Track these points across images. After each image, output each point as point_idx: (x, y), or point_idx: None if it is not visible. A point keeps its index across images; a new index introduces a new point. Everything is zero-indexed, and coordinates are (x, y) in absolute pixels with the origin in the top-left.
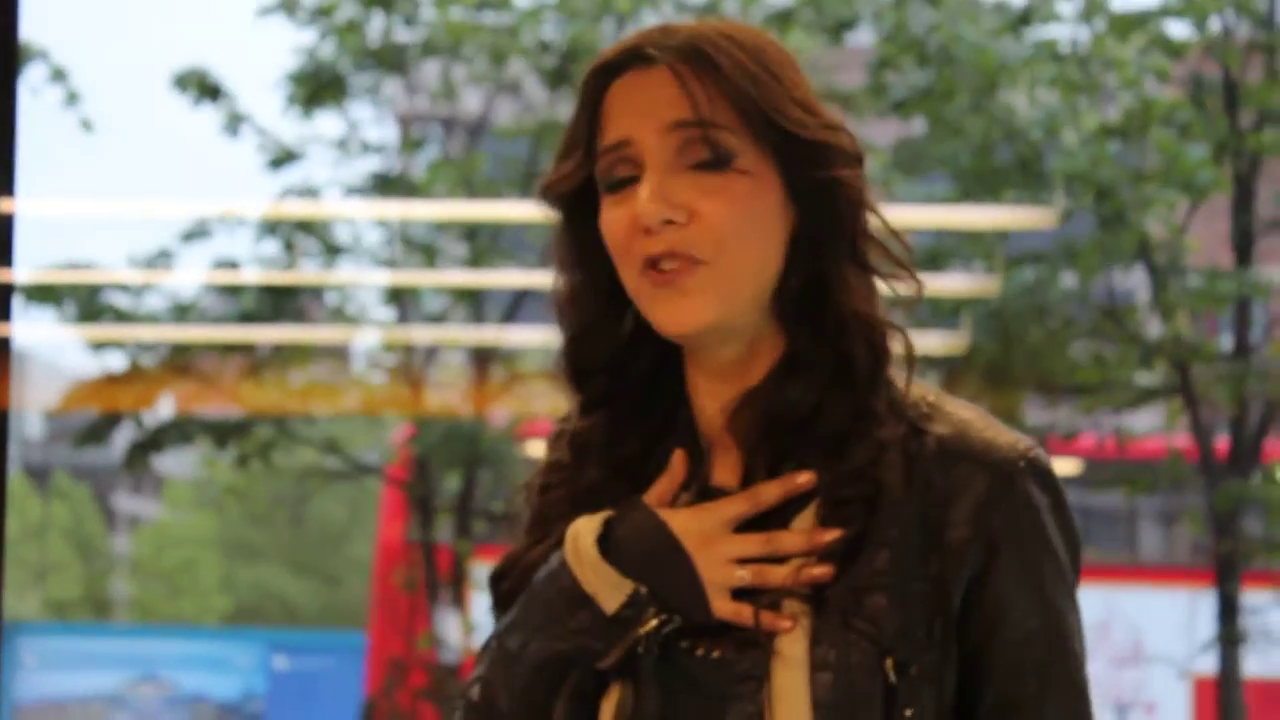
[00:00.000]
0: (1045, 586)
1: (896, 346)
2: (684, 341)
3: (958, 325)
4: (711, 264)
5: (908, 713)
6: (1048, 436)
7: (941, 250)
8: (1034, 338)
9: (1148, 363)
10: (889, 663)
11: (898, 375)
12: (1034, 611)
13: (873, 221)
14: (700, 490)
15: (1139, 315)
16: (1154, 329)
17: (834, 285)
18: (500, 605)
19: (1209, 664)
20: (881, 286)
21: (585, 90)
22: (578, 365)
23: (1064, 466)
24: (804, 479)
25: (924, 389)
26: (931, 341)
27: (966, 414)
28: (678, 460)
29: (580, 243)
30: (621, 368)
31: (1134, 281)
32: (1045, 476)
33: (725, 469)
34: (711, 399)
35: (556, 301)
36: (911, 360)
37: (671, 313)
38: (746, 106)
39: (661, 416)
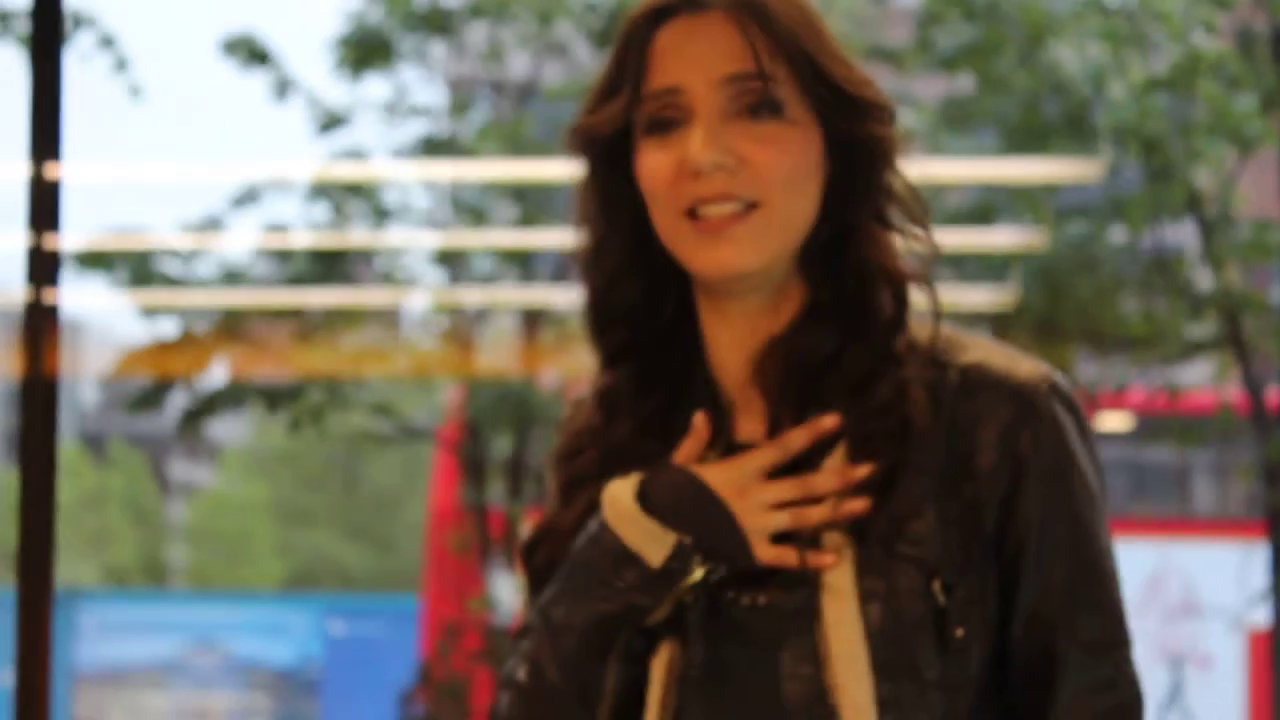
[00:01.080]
0: (1073, 505)
1: (920, 299)
2: (722, 284)
3: (1007, 280)
4: (767, 206)
5: (959, 633)
6: (1098, 391)
7: (989, 205)
8: (1083, 292)
9: (1198, 315)
10: (936, 585)
11: (916, 323)
12: (1062, 529)
13: (895, 180)
14: (726, 446)
15: (1188, 268)
16: (1204, 281)
17: (858, 238)
18: (535, 577)
19: (1263, 617)
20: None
21: (632, 32)
22: (602, 317)
23: (1115, 421)
24: (830, 422)
25: (937, 329)
26: (980, 296)
27: (985, 346)
28: (700, 421)
29: (607, 192)
30: (644, 321)
31: (1183, 234)
32: (1067, 400)
33: (750, 423)
34: (735, 350)
35: (581, 254)
36: (939, 313)
37: (715, 255)
38: (798, 59)
39: (680, 373)
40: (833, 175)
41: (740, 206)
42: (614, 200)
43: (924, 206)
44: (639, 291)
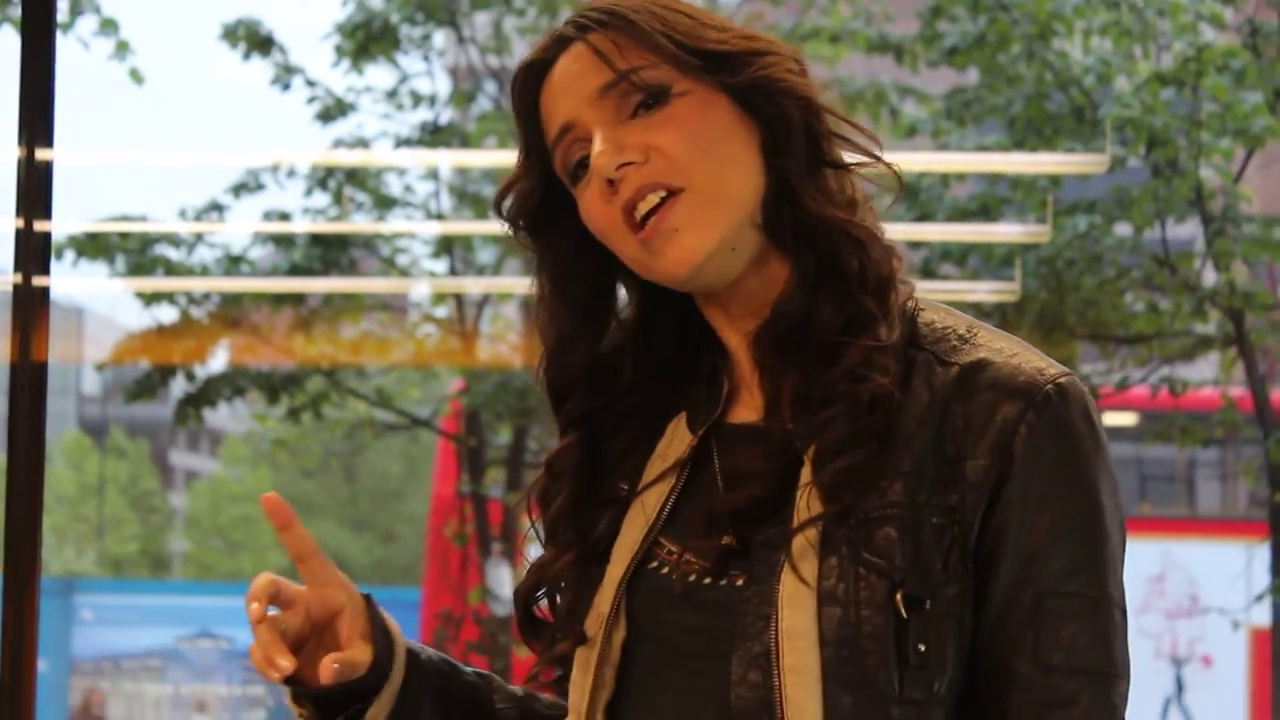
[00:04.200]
0: (1061, 512)
1: (887, 256)
2: (693, 281)
3: (1010, 274)
4: (688, 189)
5: (920, 647)
6: (1101, 387)
7: (994, 198)
8: (1087, 287)
9: (1202, 312)
10: (899, 596)
11: (934, 311)
12: (1045, 539)
13: (832, 121)
14: (715, 427)
15: (1193, 264)
16: (1208, 278)
17: (800, 189)
18: (529, 625)
19: (1265, 616)
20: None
21: (519, 96)
22: (554, 384)
23: (1118, 418)
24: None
25: (957, 321)
26: (984, 290)
27: (998, 344)
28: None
29: (550, 258)
30: (602, 382)
31: (1188, 230)
32: (1080, 405)
33: (749, 405)
34: (738, 334)
35: (537, 325)
36: (891, 261)
37: (673, 254)
38: (661, 43)
39: (688, 371)
40: (760, 131)
41: (664, 193)
42: (558, 266)
43: (868, 135)
44: (587, 358)
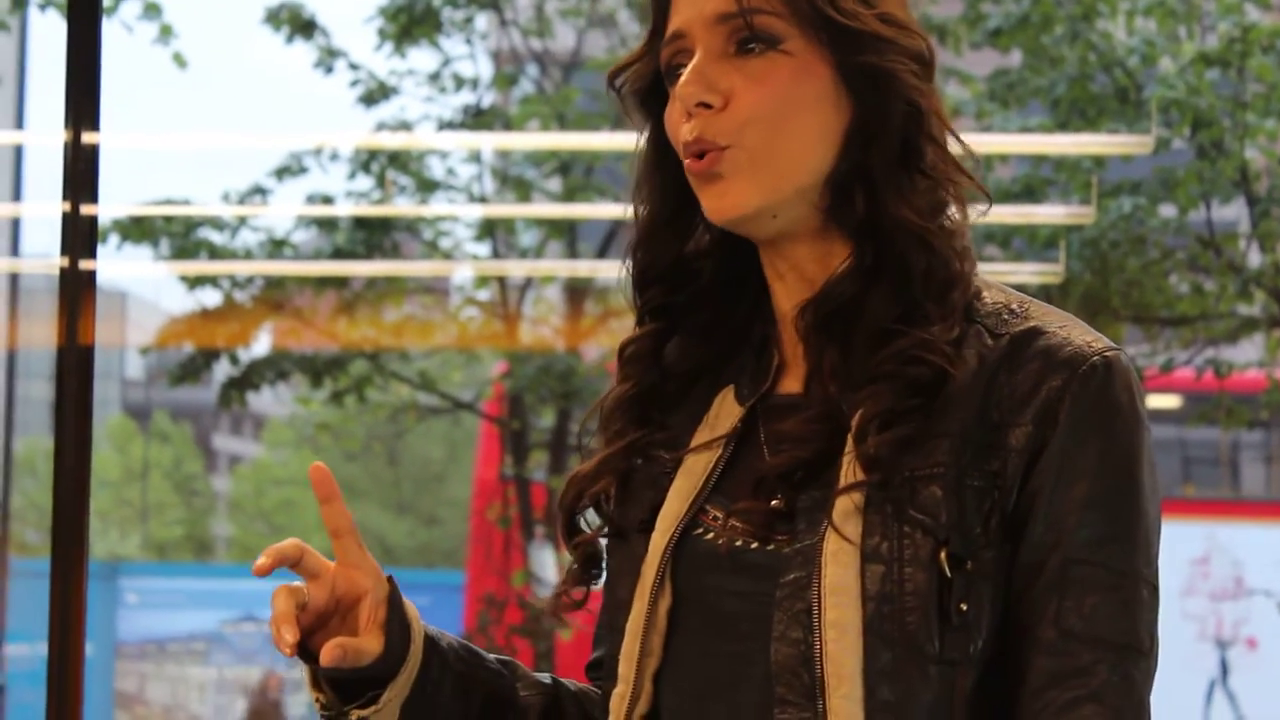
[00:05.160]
0: (1097, 484)
1: (961, 260)
2: (735, 229)
3: (1054, 255)
4: (737, 147)
5: (963, 607)
6: (1145, 370)
7: (1038, 180)
8: (1131, 268)
9: (1247, 294)
10: (943, 555)
11: (989, 289)
12: (1077, 507)
13: (940, 130)
14: (763, 398)
15: (1239, 245)
16: (1254, 259)
17: (880, 184)
18: (568, 526)
19: None
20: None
21: None
22: (639, 273)
23: (1162, 400)
24: None
25: (1010, 297)
26: (1028, 271)
27: (1049, 317)
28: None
29: (653, 142)
30: (684, 279)
31: (1233, 211)
32: (1125, 379)
33: (798, 378)
34: (789, 302)
35: (632, 205)
36: (966, 263)
37: (713, 199)
38: None
39: (740, 327)
40: (854, 115)
41: (713, 150)
42: (658, 153)
43: (972, 157)
44: (671, 253)
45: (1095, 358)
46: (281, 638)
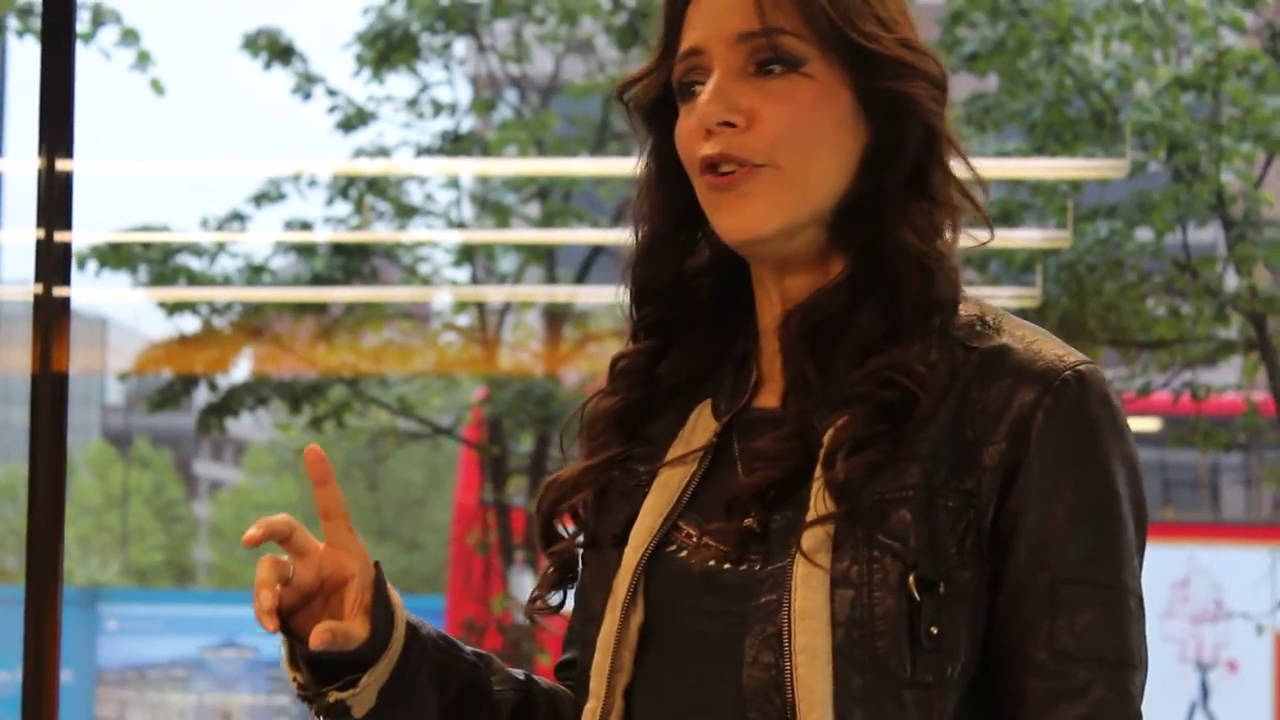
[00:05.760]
0: (1087, 502)
1: (950, 286)
2: (748, 250)
3: (1031, 279)
4: (772, 166)
5: (933, 630)
6: (1123, 393)
7: (1014, 204)
8: (1108, 292)
9: (1223, 317)
10: (912, 579)
11: (964, 303)
12: (1060, 525)
13: (948, 153)
14: (739, 413)
15: (1215, 269)
16: (1230, 283)
17: (888, 211)
18: (545, 530)
19: None
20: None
21: None
22: (637, 289)
23: (1141, 423)
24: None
25: (984, 310)
26: (1005, 295)
27: (1020, 331)
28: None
29: (657, 158)
30: (680, 297)
31: (1209, 235)
32: (1100, 392)
33: (774, 393)
34: (774, 319)
35: (633, 221)
36: (955, 289)
37: (735, 217)
38: (816, 15)
39: (723, 345)
40: (870, 139)
41: (740, 168)
42: (663, 168)
43: (982, 185)
44: (671, 270)
45: (1068, 371)
46: (260, 605)
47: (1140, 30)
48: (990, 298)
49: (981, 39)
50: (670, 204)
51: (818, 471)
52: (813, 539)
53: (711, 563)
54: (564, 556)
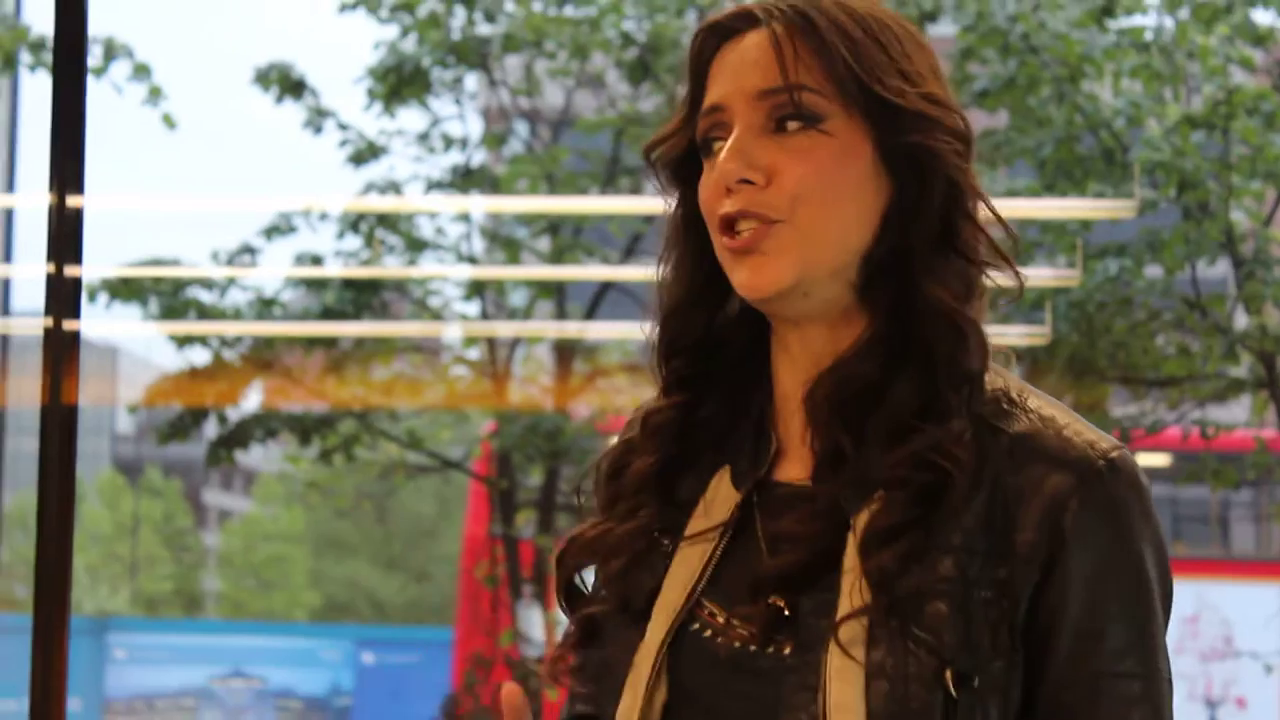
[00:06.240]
0: (1122, 596)
1: (982, 351)
2: (764, 307)
3: (1041, 317)
4: (789, 223)
5: None
6: (1132, 430)
7: (1024, 242)
8: (1118, 330)
9: (1233, 355)
10: (949, 674)
11: (990, 374)
12: (1098, 618)
13: (976, 208)
14: (760, 483)
15: (1225, 307)
16: (1240, 321)
17: (916, 264)
18: (560, 587)
19: None
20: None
21: (693, 51)
22: (667, 343)
23: (1151, 460)
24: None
25: (1008, 383)
26: (1015, 333)
27: (1049, 411)
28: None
29: (685, 212)
30: (710, 351)
31: (1219, 272)
32: (1128, 480)
33: (796, 462)
34: (796, 383)
35: (659, 276)
36: (985, 357)
37: (749, 274)
38: (839, 70)
39: (745, 402)
40: (893, 195)
41: (759, 224)
42: (689, 225)
43: (1012, 236)
44: (701, 324)
45: (1099, 461)
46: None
47: (1150, 68)
48: (1000, 335)
49: (992, 76)
50: (700, 258)
51: (849, 557)
52: (849, 631)
53: (738, 644)
54: (588, 622)
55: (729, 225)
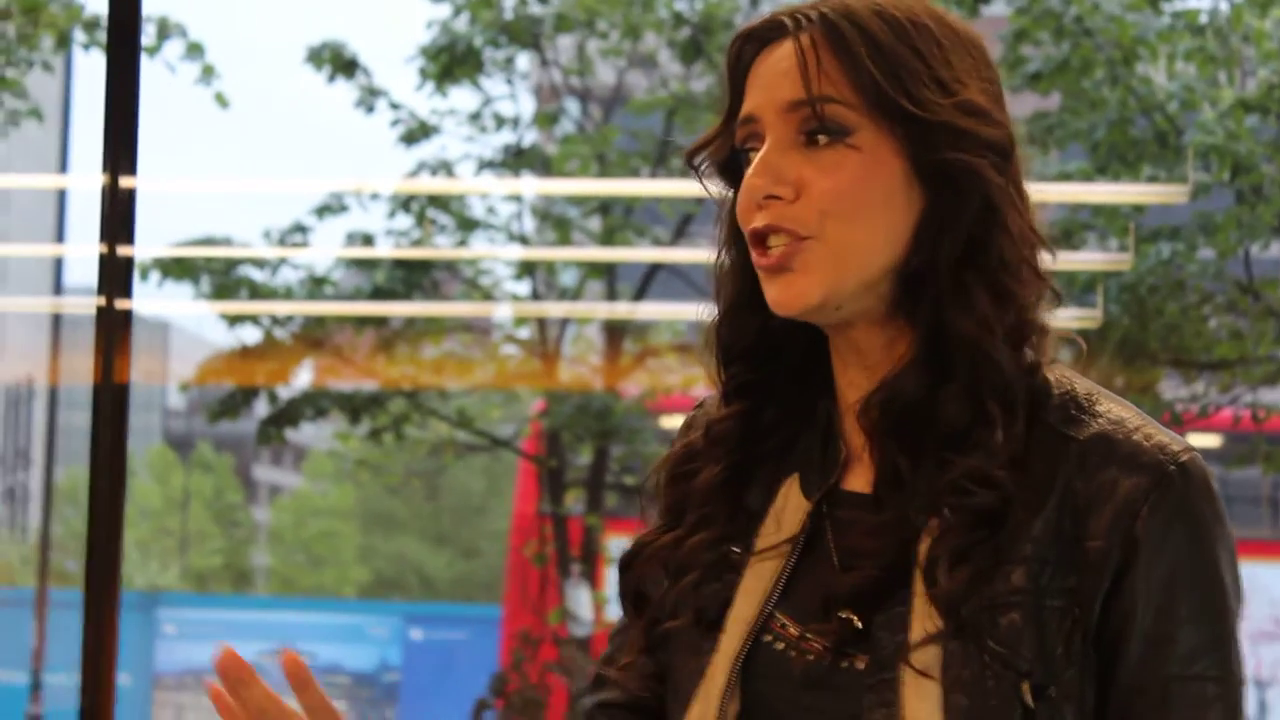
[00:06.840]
0: (1186, 595)
1: (1019, 361)
2: (800, 319)
3: (1092, 300)
4: (817, 239)
5: None
6: (1184, 413)
7: (1076, 225)
8: (1170, 313)
9: None
10: (1025, 686)
11: (1052, 369)
12: (1171, 621)
13: (1015, 220)
14: (829, 493)
15: (1277, 290)
16: None
17: (944, 285)
18: (627, 593)
19: None
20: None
21: (730, 58)
22: (723, 347)
23: (1202, 441)
24: None
25: (1075, 386)
26: (1066, 316)
27: (1118, 414)
28: None
29: (733, 216)
30: (766, 356)
31: (1272, 255)
32: (1202, 482)
33: (862, 471)
34: (853, 391)
35: (715, 280)
36: (1026, 368)
37: (779, 292)
38: (865, 80)
39: (808, 408)
40: (926, 207)
41: (789, 240)
42: (735, 229)
43: (1049, 251)
44: (755, 329)
45: (1170, 465)
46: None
47: (1204, 52)
48: (1051, 319)
49: (1045, 58)
50: (749, 262)
51: (918, 580)
52: (922, 655)
53: (811, 658)
54: (659, 635)
55: (760, 240)
